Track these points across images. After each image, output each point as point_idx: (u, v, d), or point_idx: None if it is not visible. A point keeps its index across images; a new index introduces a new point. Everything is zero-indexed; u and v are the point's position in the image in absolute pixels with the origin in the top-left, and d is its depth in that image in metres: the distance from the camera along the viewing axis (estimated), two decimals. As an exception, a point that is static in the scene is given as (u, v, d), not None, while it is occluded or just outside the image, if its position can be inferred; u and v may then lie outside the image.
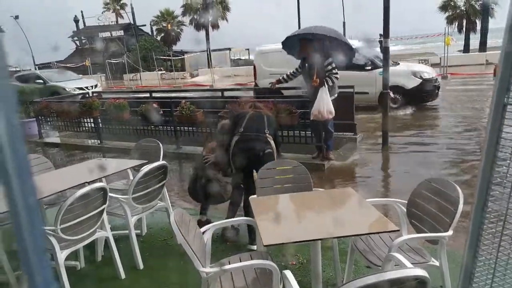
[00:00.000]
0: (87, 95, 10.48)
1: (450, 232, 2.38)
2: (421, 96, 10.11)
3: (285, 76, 6.15)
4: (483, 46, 25.92)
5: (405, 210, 2.84)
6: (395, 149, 6.75)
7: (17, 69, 24.38)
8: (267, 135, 3.45)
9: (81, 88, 15.44)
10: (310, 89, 5.61)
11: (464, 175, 5.35)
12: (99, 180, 3.49)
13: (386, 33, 6.55)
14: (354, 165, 6.10)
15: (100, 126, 8.42)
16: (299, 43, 5.77)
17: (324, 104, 5.43)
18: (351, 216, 2.58)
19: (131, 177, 4.40)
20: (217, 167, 3.75)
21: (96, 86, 17.42)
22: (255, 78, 11.34)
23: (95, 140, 8.54)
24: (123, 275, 3.23)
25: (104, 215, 3.17)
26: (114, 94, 12.79)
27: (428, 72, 10.48)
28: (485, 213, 1.09)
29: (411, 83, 10.00)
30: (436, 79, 10.55)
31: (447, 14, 30.02)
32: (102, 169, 3.88)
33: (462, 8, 29.28)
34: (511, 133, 1.06)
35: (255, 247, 3.32)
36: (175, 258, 3.44)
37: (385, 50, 6.78)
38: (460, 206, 2.40)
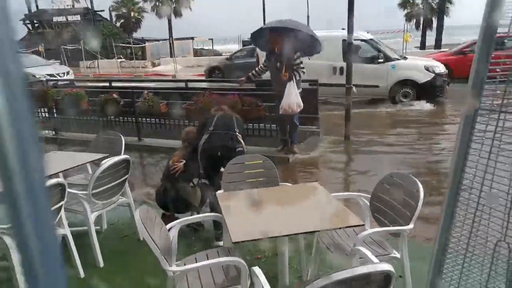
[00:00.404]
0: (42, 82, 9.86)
1: (411, 225, 2.47)
2: (433, 91, 9.73)
3: (254, 72, 6.04)
4: (438, 44, 27.09)
5: (368, 203, 2.91)
6: (356, 144, 6.91)
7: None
8: (237, 133, 3.45)
9: (51, 75, 14.05)
10: (277, 83, 5.60)
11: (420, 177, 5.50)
12: (56, 175, 3.31)
13: (350, 28, 6.66)
14: (318, 158, 6.19)
15: (55, 116, 8.01)
16: (268, 37, 5.73)
17: (293, 98, 5.45)
18: (318, 211, 2.61)
19: (90, 172, 4.21)
20: (185, 175, 3.68)
21: (68, 73, 16.08)
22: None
23: (49, 131, 8.12)
24: (82, 274, 3.10)
25: (62, 212, 3.01)
26: (87, 83, 12.00)
27: (439, 66, 10.13)
28: (454, 213, 1.12)
29: (423, 77, 9.71)
30: (446, 74, 10.19)
31: (406, 11, 31.07)
32: (59, 163, 3.68)
33: (420, 5, 30.39)
34: (479, 137, 1.09)
35: (221, 243, 3.29)
36: (137, 255, 3.35)
37: (348, 45, 6.91)
38: (421, 201, 2.49)
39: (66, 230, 3.06)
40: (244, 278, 2.17)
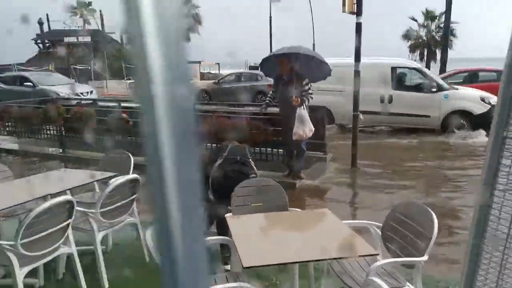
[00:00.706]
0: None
1: (425, 257, 2.41)
2: (488, 123, 9.07)
3: (269, 97, 6.08)
4: (442, 74, 27.40)
5: (380, 233, 2.87)
6: (363, 172, 6.82)
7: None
8: (251, 160, 3.52)
9: (76, 94, 14.13)
10: (286, 108, 5.64)
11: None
12: (64, 192, 3.30)
13: (357, 57, 6.75)
14: (324, 184, 6.15)
15: (64, 134, 8.06)
16: (276, 63, 5.81)
17: (305, 123, 5.49)
18: (330, 238, 2.56)
19: (98, 190, 4.20)
20: None
21: (91, 92, 16.03)
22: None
23: (57, 149, 8.14)
24: (86, 294, 3.04)
25: (69, 230, 2.99)
26: (110, 103, 11.76)
27: (493, 97, 9.33)
28: (482, 245, 1.10)
29: (479, 109, 9.20)
30: None
31: (409, 43, 31.64)
32: (67, 181, 3.68)
33: (424, 38, 30.95)
34: (507, 166, 1.08)
35: (228, 267, 3.23)
36: (142, 276, 3.28)
37: (355, 73, 6.97)
38: (435, 231, 2.44)
39: (72, 249, 3.02)
40: (255, 305, 2.11)
